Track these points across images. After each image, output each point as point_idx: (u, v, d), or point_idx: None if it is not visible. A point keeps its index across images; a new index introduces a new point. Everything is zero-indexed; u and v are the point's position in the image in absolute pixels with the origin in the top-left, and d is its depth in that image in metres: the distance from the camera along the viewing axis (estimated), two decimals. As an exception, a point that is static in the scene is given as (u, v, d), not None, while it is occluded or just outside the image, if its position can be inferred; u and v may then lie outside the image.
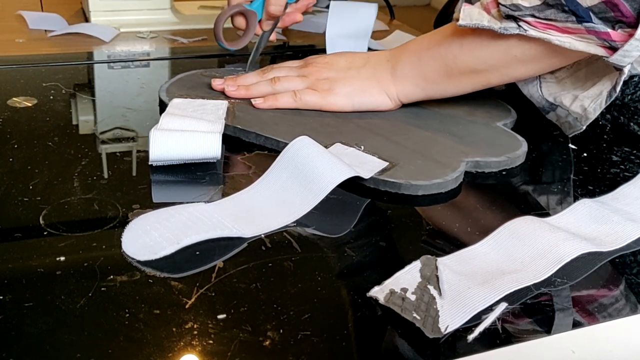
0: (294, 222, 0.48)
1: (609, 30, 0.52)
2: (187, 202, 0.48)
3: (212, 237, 0.44)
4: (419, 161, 0.56)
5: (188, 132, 0.55)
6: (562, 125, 0.65)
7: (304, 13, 0.83)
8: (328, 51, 0.80)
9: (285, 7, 0.77)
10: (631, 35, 0.51)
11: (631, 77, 0.67)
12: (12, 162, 0.54)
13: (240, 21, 0.78)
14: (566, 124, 0.64)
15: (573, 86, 0.63)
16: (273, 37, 0.81)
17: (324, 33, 0.83)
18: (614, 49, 0.53)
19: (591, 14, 0.52)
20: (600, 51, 0.53)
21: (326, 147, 0.56)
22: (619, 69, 0.56)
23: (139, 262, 0.42)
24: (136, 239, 0.43)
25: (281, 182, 0.51)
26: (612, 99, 0.59)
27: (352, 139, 0.59)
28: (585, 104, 0.61)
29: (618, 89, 0.58)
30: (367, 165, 0.54)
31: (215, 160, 0.55)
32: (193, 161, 0.55)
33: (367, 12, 0.81)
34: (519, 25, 0.55)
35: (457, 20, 0.58)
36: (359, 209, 0.51)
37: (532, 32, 0.54)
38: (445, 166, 0.55)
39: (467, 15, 0.57)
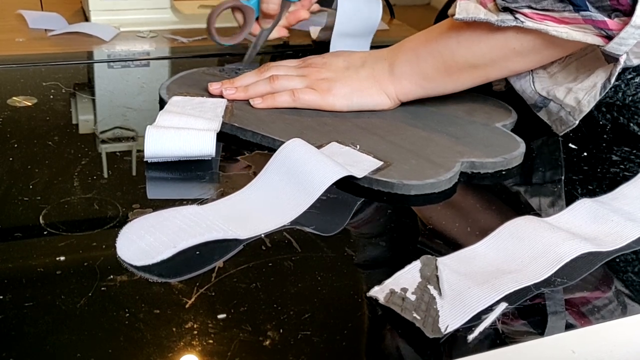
0: (289, 223, 0.48)
1: (606, 18, 0.52)
2: (184, 200, 0.48)
3: (207, 239, 0.44)
4: (414, 161, 0.56)
5: (183, 129, 0.55)
6: (554, 123, 0.64)
7: (311, 12, 0.82)
8: (332, 48, 0.79)
9: (286, 6, 0.77)
10: (627, 23, 0.51)
11: (632, 78, 0.67)
12: (12, 162, 0.54)
13: (238, 17, 0.78)
14: (557, 121, 0.63)
15: (565, 80, 0.63)
16: (283, 33, 0.81)
17: (319, 30, 0.83)
18: (610, 38, 0.53)
19: (587, 2, 0.52)
20: (597, 40, 0.53)
21: (322, 146, 0.56)
22: (614, 60, 0.56)
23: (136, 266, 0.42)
24: (131, 244, 0.43)
25: (274, 184, 0.50)
26: (606, 91, 0.59)
27: (349, 138, 0.59)
28: (579, 96, 0.60)
29: (612, 80, 0.58)
30: (362, 165, 0.54)
31: (210, 158, 0.55)
32: (188, 158, 0.55)
33: (373, 8, 0.80)
34: (516, 18, 0.55)
35: (453, 15, 0.58)
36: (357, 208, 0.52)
37: (529, 24, 0.54)
38: (439, 166, 0.55)
39: (464, 9, 0.57)
